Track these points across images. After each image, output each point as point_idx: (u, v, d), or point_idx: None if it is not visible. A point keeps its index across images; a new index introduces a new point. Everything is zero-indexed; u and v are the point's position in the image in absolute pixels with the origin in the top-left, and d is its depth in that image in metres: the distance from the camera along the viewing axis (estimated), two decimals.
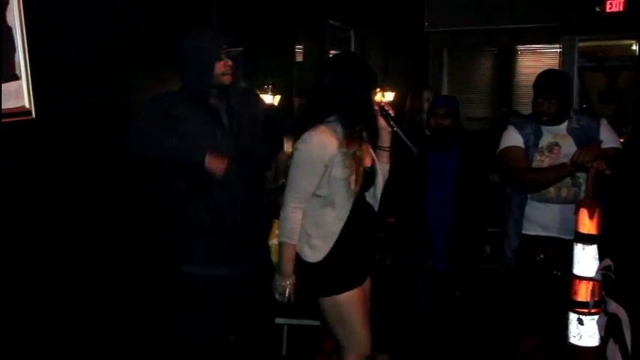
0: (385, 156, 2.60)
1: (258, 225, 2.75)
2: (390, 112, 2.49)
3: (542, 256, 2.97)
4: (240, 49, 2.74)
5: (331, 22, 6.04)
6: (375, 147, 2.57)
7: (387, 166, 2.62)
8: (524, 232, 3.06)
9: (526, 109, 8.20)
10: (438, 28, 8.32)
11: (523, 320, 3.19)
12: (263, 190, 2.93)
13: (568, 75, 3.40)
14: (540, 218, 3.00)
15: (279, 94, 4.83)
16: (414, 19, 8.30)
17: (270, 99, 4.68)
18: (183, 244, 2.72)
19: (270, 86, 4.68)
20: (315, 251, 2.46)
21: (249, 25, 4.67)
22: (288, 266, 2.47)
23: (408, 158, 2.68)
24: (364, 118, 2.44)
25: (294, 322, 3.67)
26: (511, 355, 3.31)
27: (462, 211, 3.70)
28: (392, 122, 2.49)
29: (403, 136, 2.48)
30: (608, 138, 2.92)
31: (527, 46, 8.84)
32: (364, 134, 2.49)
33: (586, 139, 2.91)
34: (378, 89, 2.57)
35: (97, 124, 2.94)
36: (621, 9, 7.32)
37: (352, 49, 6.64)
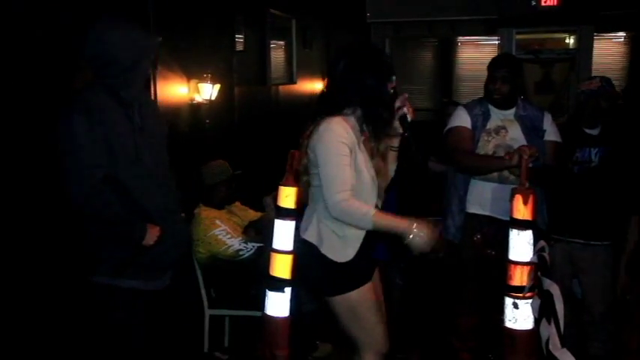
0: (393, 156, 2.54)
1: (174, 233, 2.55)
2: (409, 116, 2.39)
3: (478, 236, 3.06)
4: (160, 38, 2.55)
5: (272, 10, 5.98)
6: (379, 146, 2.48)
7: (393, 166, 2.56)
8: (466, 210, 3.13)
9: (466, 99, 8.36)
10: (379, 18, 8.36)
11: (461, 301, 3.24)
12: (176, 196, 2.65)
13: (521, 61, 3.52)
14: (480, 197, 3.08)
15: (219, 83, 4.76)
16: (356, 9, 8.31)
17: (209, 88, 4.60)
18: (96, 252, 2.44)
19: (209, 75, 4.60)
20: (347, 251, 2.37)
21: (188, 12, 4.57)
22: (397, 222, 2.28)
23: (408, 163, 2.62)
24: (379, 112, 2.34)
25: (236, 313, 3.64)
26: (448, 336, 3.35)
27: (402, 200, 3.72)
28: (407, 128, 2.39)
29: (413, 145, 2.41)
30: (551, 131, 3.06)
31: (467, 37, 9.00)
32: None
33: (531, 127, 3.04)
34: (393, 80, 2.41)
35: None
36: (556, 3, 7.52)
37: (293, 38, 6.59)
